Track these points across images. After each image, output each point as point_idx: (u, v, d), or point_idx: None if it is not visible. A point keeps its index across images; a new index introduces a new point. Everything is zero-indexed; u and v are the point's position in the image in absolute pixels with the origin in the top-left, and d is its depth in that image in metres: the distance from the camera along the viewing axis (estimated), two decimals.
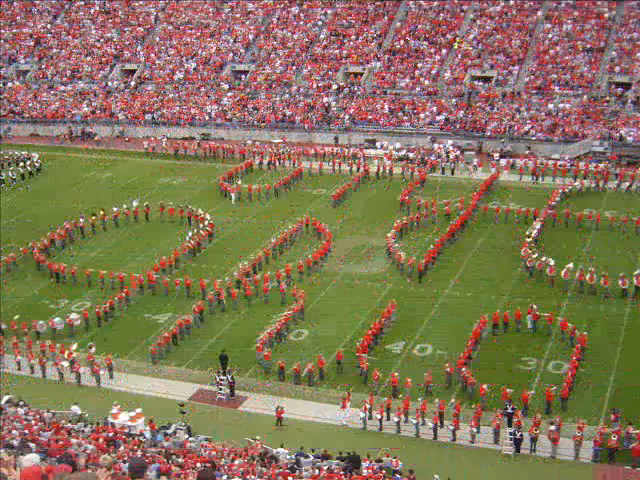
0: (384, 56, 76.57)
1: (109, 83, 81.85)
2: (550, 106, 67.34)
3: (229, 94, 76.99)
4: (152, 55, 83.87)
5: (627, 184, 54.94)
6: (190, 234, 48.40)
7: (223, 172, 60.58)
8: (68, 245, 49.90)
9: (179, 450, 26.49)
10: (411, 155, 62.91)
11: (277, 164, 63.45)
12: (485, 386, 31.95)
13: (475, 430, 29.97)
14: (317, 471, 25.46)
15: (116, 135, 73.87)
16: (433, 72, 73.69)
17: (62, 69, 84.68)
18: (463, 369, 33.25)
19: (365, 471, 26.43)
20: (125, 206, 53.80)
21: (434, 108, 69.90)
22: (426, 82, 72.88)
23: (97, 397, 34.29)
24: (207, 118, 74.40)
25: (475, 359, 35.28)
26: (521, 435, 29.27)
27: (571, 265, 41.79)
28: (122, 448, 24.74)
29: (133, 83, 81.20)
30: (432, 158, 61.67)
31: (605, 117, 65.19)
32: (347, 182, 57.47)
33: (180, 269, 45.45)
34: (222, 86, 78.11)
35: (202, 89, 78.38)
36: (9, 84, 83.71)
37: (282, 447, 28.40)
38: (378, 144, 66.95)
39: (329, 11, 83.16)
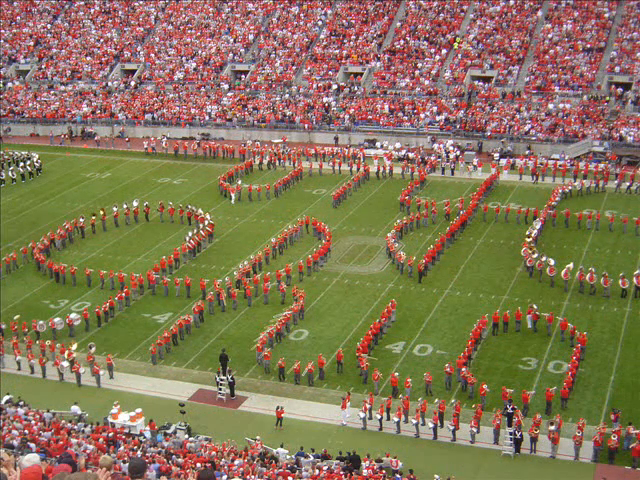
0: (384, 56, 76.58)
1: (109, 83, 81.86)
2: (550, 106, 67.33)
3: (229, 94, 77.02)
4: (152, 55, 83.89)
5: (627, 184, 54.96)
6: (190, 234, 48.42)
7: (223, 172, 60.58)
8: (68, 245, 49.95)
9: (179, 450, 26.51)
10: (411, 155, 62.91)
11: (277, 164, 63.50)
12: (485, 386, 31.97)
13: (475, 430, 29.98)
14: (317, 471, 25.47)
15: (116, 135, 73.83)
16: (433, 72, 73.69)
17: (62, 69, 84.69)
18: (463, 369, 33.27)
19: (365, 471, 26.44)
20: (125, 206, 53.84)
21: (434, 108, 69.90)
22: (426, 82, 72.89)
23: (97, 397, 34.31)
24: (207, 118, 74.43)
25: (475, 359, 35.33)
26: (521, 435, 29.27)
27: (571, 265, 41.81)
28: (122, 448, 24.78)
29: (133, 83, 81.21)
30: (432, 158, 61.68)
31: (605, 117, 65.21)
32: (347, 182, 57.50)
33: (180, 269, 45.50)
34: (222, 86, 78.13)
35: (202, 89, 78.41)
36: (9, 84, 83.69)
37: (282, 447, 28.43)
38: (378, 144, 66.94)
39: (329, 11, 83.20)
